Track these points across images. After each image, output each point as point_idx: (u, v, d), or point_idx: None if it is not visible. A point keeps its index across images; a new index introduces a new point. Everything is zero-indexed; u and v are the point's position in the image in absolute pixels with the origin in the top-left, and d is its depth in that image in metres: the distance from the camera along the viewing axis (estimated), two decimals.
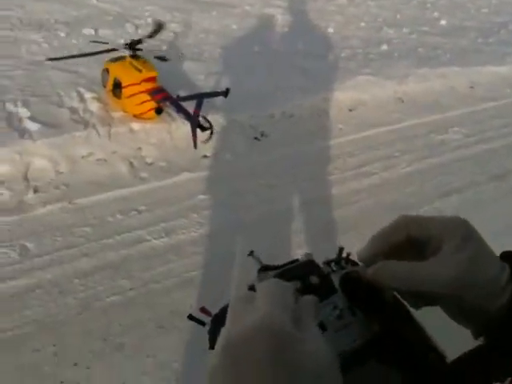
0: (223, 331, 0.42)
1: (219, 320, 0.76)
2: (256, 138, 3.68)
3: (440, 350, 0.60)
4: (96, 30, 4.78)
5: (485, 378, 0.45)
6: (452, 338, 0.69)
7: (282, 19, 5.66)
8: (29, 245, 2.52)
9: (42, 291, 2.29)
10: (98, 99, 3.52)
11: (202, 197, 3.00)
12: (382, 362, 0.58)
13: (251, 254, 1.05)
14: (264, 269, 0.95)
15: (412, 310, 0.62)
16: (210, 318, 0.81)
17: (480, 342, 0.55)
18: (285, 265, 0.68)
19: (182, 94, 3.44)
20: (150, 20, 4.92)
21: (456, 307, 0.55)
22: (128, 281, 2.41)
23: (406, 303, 0.63)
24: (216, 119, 3.56)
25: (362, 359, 0.57)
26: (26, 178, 2.91)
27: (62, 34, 4.64)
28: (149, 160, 3.22)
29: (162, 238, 2.67)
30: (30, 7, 5.24)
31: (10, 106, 3.36)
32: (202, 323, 0.82)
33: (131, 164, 3.15)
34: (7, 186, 2.82)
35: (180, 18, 5.31)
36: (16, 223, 2.65)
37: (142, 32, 4.54)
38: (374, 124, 4.09)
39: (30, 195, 2.81)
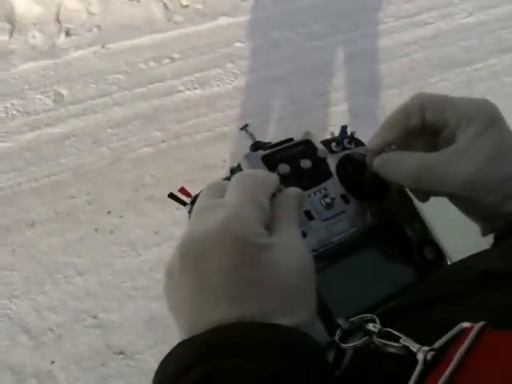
0: (188, 224, 0.39)
1: None
2: None
3: (440, 246, 0.57)
4: None
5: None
6: (457, 231, 0.65)
7: None
8: (63, 91, 2.52)
9: (76, 139, 2.34)
10: None
11: (238, 45, 2.84)
12: (375, 252, 0.55)
13: (245, 127, 0.99)
14: (255, 146, 0.89)
15: (416, 200, 0.58)
16: (190, 199, 0.78)
17: (487, 239, 0.51)
18: (278, 143, 0.63)
19: None
20: None
21: (467, 204, 0.50)
22: (160, 132, 2.41)
23: (409, 193, 0.58)
24: None
25: (353, 250, 0.54)
26: (57, 20, 2.80)
27: None
28: (184, 1, 3.01)
29: (196, 89, 2.60)
30: None
31: None
32: (184, 203, 0.81)
33: (165, 6, 2.97)
34: (39, 28, 2.74)
35: None
36: (50, 68, 2.61)
37: None
38: None
39: (62, 38, 2.73)
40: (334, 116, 2.57)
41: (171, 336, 1.81)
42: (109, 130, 2.38)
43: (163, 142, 2.38)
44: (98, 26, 2.81)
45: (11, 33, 2.75)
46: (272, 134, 2.48)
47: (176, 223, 2.11)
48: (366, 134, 0.60)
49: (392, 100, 2.65)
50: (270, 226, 0.39)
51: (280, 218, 0.40)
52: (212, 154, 2.36)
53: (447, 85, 2.78)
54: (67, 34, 2.76)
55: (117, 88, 2.55)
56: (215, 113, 2.52)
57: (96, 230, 2.07)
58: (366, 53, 2.92)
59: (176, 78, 2.63)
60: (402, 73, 2.86)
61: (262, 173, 0.44)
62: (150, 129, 2.41)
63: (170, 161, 2.31)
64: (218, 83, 2.65)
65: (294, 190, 0.44)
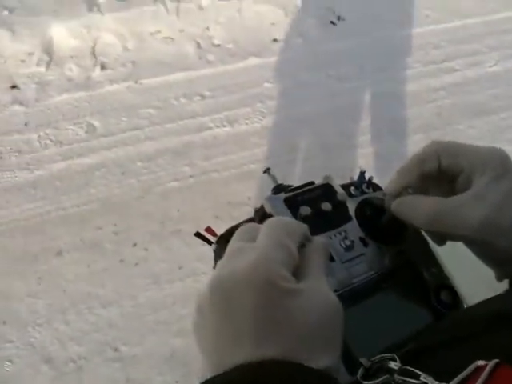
0: (219, 263, 0.41)
1: (223, 241, 0.76)
2: (332, 22, 3.43)
3: (455, 290, 0.58)
4: None
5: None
6: (473, 276, 0.65)
7: None
8: (95, 123, 2.58)
9: (106, 171, 2.38)
10: None
11: (267, 85, 2.90)
12: (393, 295, 0.56)
13: (267, 171, 1.01)
14: (277, 188, 0.91)
15: (433, 244, 0.59)
16: (215, 238, 0.80)
17: (503, 284, 0.52)
18: (300, 187, 0.65)
19: None
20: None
21: (481, 248, 0.52)
22: (189, 168, 2.45)
23: (427, 237, 0.59)
24: None
25: (372, 292, 0.55)
26: (93, 54, 2.89)
27: None
28: (216, 41, 3.10)
29: (225, 126, 2.65)
30: None
31: None
32: (209, 242, 0.82)
33: (198, 44, 3.05)
34: (75, 61, 2.83)
35: None
36: (84, 100, 2.69)
37: None
38: (464, 13, 3.68)
39: (98, 72, 2.82)
40: (359, 158, 2.60)
41: (191, 375, 1.80)
42: (139, 163, 2.42)
43: (191, 177, 2.41)
44: (133, 62, 2.90)
45: (48, 64, 2.84)
46: (298, 174, 2.51)
47: (200, 259, 2.12)
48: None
49: (418, 145, 2.62)
50: (298, 273, 0.40)
51: (308, 265, 0.42)
52: (238, 191, 2.38)
53: (475, 132, 2.80)
54: (102, 67, 2.84)
55: (148, 122, 2.60)
56: (243, 151, 2.55)
57: (121, 261, 2.08)
58: (393, 96, 2.96)
59: (206, 115, 2.68)
60: (428, 118, 2.89)
61: (292, 221, 0.46)
62: (179, 164, 2.44)
63: (196, 196, 2.34)
64: (247, 122, 2.70)
65: (322, 240, 0.46)
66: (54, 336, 1.86)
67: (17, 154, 2.41)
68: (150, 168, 2.42)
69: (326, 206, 0.60)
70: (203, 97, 2.78)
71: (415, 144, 2.68)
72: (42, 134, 2.50)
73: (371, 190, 0.65)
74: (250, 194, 2.37)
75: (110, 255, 2.09)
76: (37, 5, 3.05)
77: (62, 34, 2.93)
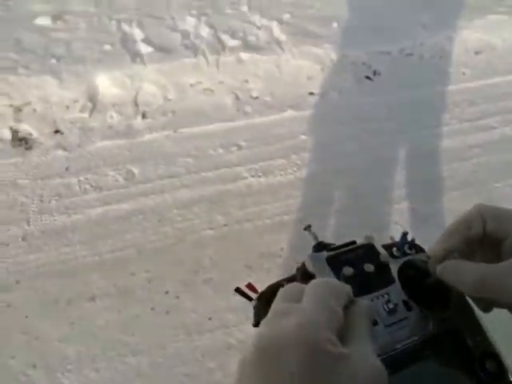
0: (262, 324, 0.40)
1: (264, 298, 0.75)
2: (368, 77, 3.48)
3: (501, 358, 0.56)
4: None
5: None
6: None
7: None
8: (134, 170, 2.64)
9: (142, 217, 2.42)
10: (210, 24, 3.47)
11: (303, 137, 2.94)
12: (436, 363, 0.54)
13: (308, 228, 1.01)
14: (319, 246, 0.91)
15: (478, 311, 0.57)
16: (256, 295, 0.79)
17: None
18: (341, 246, 0.64)
19: None
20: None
21: None
22: (223, 216, 2.47)
23: (472, 303, 0.57)
24: (326, 53, 3.40)
25: (415, 359, 0.53)
26: (135, 103, 2.99)
27: None
28: (254, 93, 3.17)
29: (259, 176, 2.68)
30: None
31: (125, 27, 3.41)
32: (249, 298, 0.81)
33: (237, 96, 3.13)
34: (118, 109, 2.93)
35: None
36: (124, 147, 2.76)
37: None
38: (501, 71, 3.69)
39: (139, 120, 2.91)
40: (394, 213, 2.57)
41: None
42: (175, 211, 2.45)
43: (225, 225, 2.43)
44: (173, 111, 2.98)
45: (92, 111, 2.95)
46: (332, 227, 2.50)
47: (231, 310, 2.10)
48: (426, 235, 0.60)
49: (454, 202, 2.64)
50: (343, 335, 0.40)
51: (353, 328, 0.41)
52: (271, 241, 2.38)
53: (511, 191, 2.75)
54: (143, 116, 2.93)
55: (185, 171, 2.65)
56: (277, 201, 2.56)
57: (152, 309, 2.08)
58: (429, 152, 2.95)
59: (241, 165, 2.72)
60: (464, 175, 2.86)
61: (337, 283, 0.45)
62: (214, 212, 2.47)
63: (230, 245, 2.34)
64: (281, 173, 2.72)
65: (366, 303, 0.45)
66: (83, 383, 1.85)
67: (57, 198, 2.48)
68: (185, 216, 2.44)
69: (369, 268, 0.59)
70: (239, 147, 2.83)
71: (451, 201, 2.65)
72: (82, 178, 2.57)
73: (414, 252, 0.64)
74: (282, 246, 2.36)
75: (141, 302, 2.09)
76: (83, 54, 3.20)
77: (106, 83, 3.05)
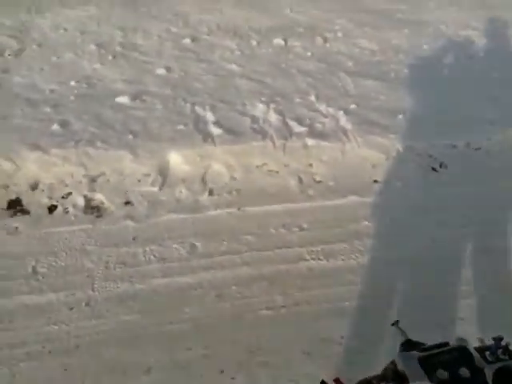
0: None
1: None
2: (433, 169, 3.48)
3: None
4: (285, 40, 4.93)
5: None
6: None
7: (478, 42, 5.27)
8: (197, 244, 2.69)
9: (202, 291, 2.43)
10: (279, 111, 3.63)
11: (366, 223, 2.92)
12: None
13: (396, 323, 0.98)
14: (407, 344, 0.87)
15: None
16: None
17: None
18: (433, 346, 0.62)
19: None
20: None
21: None
22: (282, 297, 2.44)
23: None
24: (391, 143, 3.46)
25: None
26: (203, 180, 3.11)
27: (254, 43, 4.87)
28: (318, 178, 3.23)
29: (321, 260, 2.66)
30: (229, 13, 5.61)
31: (199, 109, 3.62)
32: None
33: (300, 179, 3.19)
34: (186, 185, 3.05)
35: (370, 33, 5.23)
36: (189, 221, 2.85)
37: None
38: None
39: (205, 197, 3.01)
40: (461, 309, 2.46)
41: None
42: (233, 287, 2.45)
43: (283, 307, 2.39)
44: (238, 190, 3.07)
45: (162, 186, 3.08)
46: (393, 319, 2.41)
47: None
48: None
49: None
50: None
51: None
52: (330, 327, 2.31)
53: None
54: (210, 193, 3.03)
55: (246, 248, 2.68)
56: (337, 286, 2.52)
57: None
58: (497, 250, 2.83)
59: (303, 247, 2.72)
60: None
61: None
62: (273, 292, 2.45)
63: (287, 328, 2.30)
64: (343, 257, 2.69)
65: None
66: None
67: (122, 266, 2.54)
68: (243, 293, 2.44)
69: (464, 372, 0.57)
70: (302, 229, 2.84)
71: None
72: (147, 249, 2.64)
73: (507, 357, 0.62)
74: (342, 333, 2.28)
75: (196, 379, 2.05)
76: (158, 132, 3.40)
77: (178, 160, 3.21)
